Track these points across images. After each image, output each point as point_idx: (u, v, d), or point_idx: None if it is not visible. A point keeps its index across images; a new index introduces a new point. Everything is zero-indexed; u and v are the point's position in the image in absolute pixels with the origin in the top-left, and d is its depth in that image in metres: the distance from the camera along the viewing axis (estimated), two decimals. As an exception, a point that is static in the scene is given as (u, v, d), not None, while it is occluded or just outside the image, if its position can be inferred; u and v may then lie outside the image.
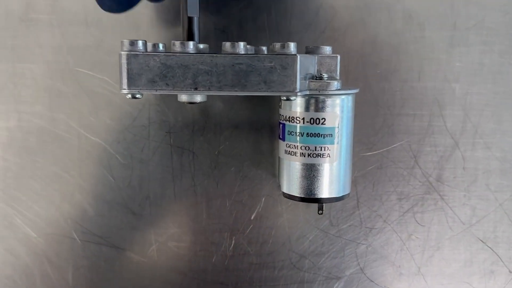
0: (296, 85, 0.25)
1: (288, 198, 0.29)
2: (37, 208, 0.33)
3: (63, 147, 0.33)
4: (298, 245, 0.33)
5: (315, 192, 0.28)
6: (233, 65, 0.25)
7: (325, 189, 0.28)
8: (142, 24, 0.32)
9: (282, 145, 0.29)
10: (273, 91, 0.25)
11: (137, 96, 0.26)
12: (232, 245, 0.33)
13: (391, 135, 0.33)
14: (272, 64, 0.25)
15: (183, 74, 0.25)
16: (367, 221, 0.33)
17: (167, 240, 0.33)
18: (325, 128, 0.28)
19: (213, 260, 0.33)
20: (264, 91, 0.25)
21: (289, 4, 0.32)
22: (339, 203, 0.33)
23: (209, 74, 0.25)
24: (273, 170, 0.33)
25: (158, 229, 0.33)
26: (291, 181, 0.29)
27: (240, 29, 0.32)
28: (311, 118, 0.28)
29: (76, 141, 0.33)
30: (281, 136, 0.29)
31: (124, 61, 0.25)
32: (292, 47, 0.25)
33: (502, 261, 0.33)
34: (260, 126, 0.33)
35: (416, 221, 0.33)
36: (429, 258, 0.33)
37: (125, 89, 0.25)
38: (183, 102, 0.27)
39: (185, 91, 0.25)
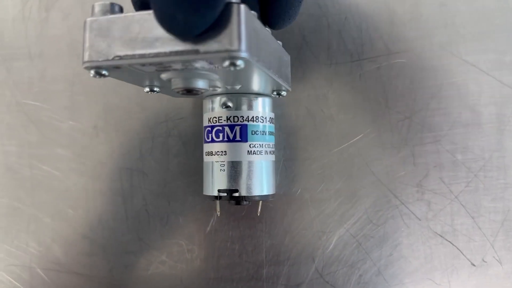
0: None
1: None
2: (-6, 241, 0.34)
3: (16, 178, 0.33)
4: (254, 255, 0.33)
5: None
6: None
7: None
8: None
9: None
10: None
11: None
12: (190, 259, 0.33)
13: (337, 138, 0.33)
14: None
15: None
16: (320, 225, 0.33)
17: (123, 262, 0.33)
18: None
19: (168, 278, 0.33)
20: None
21: None
22: (291, 207, 0.33)
23: None
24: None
25: (112, 253, 0.33)
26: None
27: None
28: None
29: (28, 171, 0.33)
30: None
31: None
32: None
33: (463, 254, 0.33)
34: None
35: (371, 221, 0.33)
36: (388, 257, 0.33)
37: None
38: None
39: None
